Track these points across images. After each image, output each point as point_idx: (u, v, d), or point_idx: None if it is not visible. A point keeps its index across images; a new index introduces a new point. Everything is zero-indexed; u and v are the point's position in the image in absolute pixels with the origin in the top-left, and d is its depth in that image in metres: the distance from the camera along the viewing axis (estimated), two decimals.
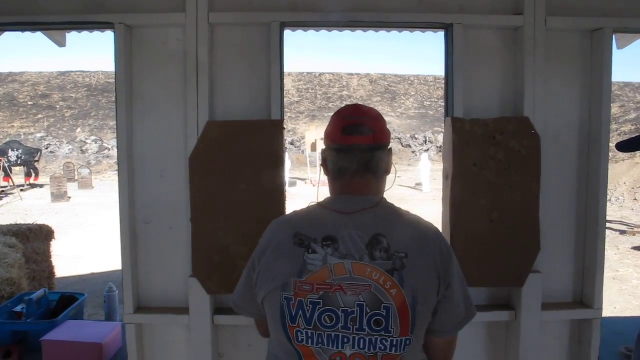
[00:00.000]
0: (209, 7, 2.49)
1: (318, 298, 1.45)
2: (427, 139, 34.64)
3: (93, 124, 35.58)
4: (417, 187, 21.90)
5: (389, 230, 1.50)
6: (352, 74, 47.62)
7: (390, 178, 1.69)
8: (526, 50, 2.57)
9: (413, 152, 32.88)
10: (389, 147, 1.64)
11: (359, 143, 1.56)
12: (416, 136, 35.20)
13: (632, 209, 17.23)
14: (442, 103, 43.44)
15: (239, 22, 2.55)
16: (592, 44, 2.69)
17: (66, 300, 3.29)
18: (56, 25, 2.61)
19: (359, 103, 1.77)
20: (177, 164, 2.61)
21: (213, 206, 2.53)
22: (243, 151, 2.51)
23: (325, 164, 1.66)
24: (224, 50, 2.60)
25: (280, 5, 2.57)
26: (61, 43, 3.34)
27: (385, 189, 1.68)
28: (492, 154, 2.58)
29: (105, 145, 30.62)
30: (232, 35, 2.60)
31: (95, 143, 31.04)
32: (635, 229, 12.52)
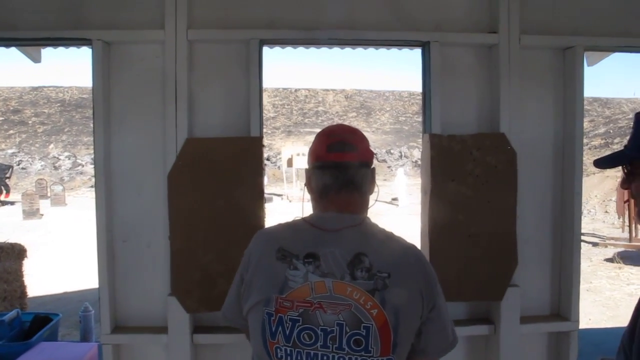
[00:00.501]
0: (188, 24, 2.49)
1: (298, 315, 1.44)
2: (403, 153, 34.92)
3: (66, 139, 35.05)
4: (394, 201, 21.99)
5: (371, 249, 1.49)
6: (327, 90, 47.86)
7: (372, 197, 1.70)
8: (501, 67, 2.62)
9: (389, 166, 33.07)
10: (372, 167, 1.65)
11: (343, 160, 1.57)
12: (391, 151, 35.46)
13: (604, 221, 17.54)
14: (417, 118, 43.98)
15: (218, 39, 2.56)
16: (564, 62, 2.76)
17: (40, 321, 3.22)
18: (32, 41, 2.58)
19: (343, 123, 1.79)
20: (155, 181, 2.59)
21: (192, 223, 2.51)
22: (222, 168, 2.50)
23: (309, 182, 1.65)
24: (203, 66, 2.60)
25: (259, 22, 2.58)
26: (36, 59, 3.31)
27: (368, 207, 1.69)
28: (469, 169, 2.61)
29: (79, 161, 30.16)
30: (210, 52, 2.60)
31: (69, 159, 30.54)
32: (607, 241, 12.73)
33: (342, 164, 1.57)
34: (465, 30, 2.68)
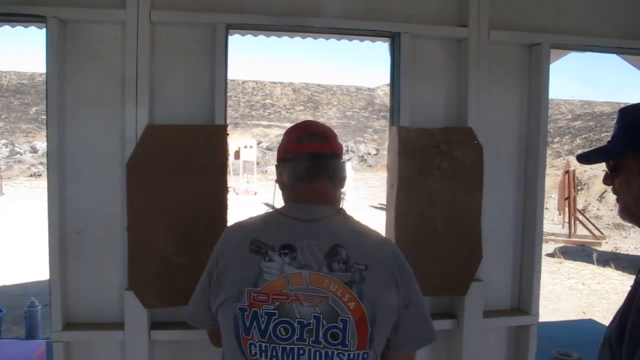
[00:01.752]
0: (151, 4, 2.36)
1: (274, 309, 1.40)
2: (349, 148, 35.10)
3: (3, 127, 33.42)
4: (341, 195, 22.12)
5: (348, 241, 1.47)
6: (275, 82, 47.61)
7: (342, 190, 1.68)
8: (470, 61, 2.62)
9: None
10: (342, 160, 1.64)
11: (314, 150, 1.56)
12: None
13: (544, 218, 18.19)
14: (363, 113, 44.37)
15: (183, 21, 2.43)
16: (530, 58, 2.78)
17: None
18: None
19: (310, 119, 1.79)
20: (112, 170, 2.45)
21: (152, 214, 2.39)
22: (184, 157, 2.39)
23: (280, 177, 1.63)
24: (165, 50, 2.47)
25: (226, 6, 2.47)
26: None
27: (340, 200, 1.66)
28: (436, 163, 2.60)
29: (17, 149, 28.79)
30: (173, 35, 2.48)
31: (6, 147, 29.12)
32: (548, 237, 13.20)
33: (313, 154, 1.56)
34: (435, 22, 2.66)
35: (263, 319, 1.40)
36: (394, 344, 1.52)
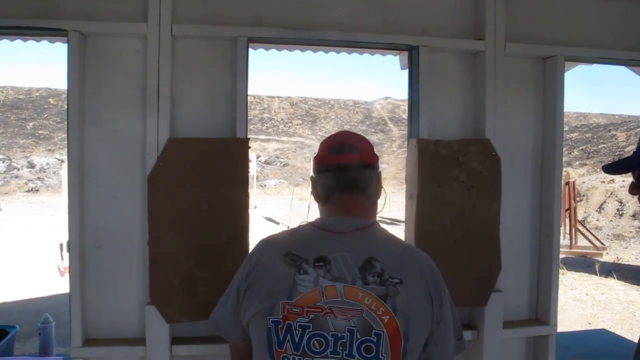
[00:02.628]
0: (172, 18, 2.37)
1: (308, 321, 1.39)
2: None
3: (0, 142, 33.34)
4: None
5: (382, 254, 1.46)
6: (273, 97, 47.77)
7: (380, 202, 1.68)
8: (487, 73, 2.64)
9: None
10: (377, 170, 1.63)
11: (346, 161, 1.55)
12: None
13: None
14: (361, 127, 44.50)
15: (204, 35, 2.44)
16: (544, 70, 2.81)
17: None
18: (1, 29, 2.38)
19: (346, 130, 1.79)
20: (132, 184, 2.44)
21: (173, 228, 2.38)
22: (206, 170, 2.39)
23: (314, 189, 1.63)
24: (185, 64, 2.47)
25: (246, 19, 2.49)
26: None
27: (377, 212, 1.66)
28: (455, 174, 2.60)
29: (14, 164, 28.66)
30: (194, 48, 2.48)
31: (3, 162, 28.98)
32: None
33: (342, 165, 1.55)
34: (451, 36, 2.68)
35: (297, 331, 1.39)
36: (423, 358, 1.51)
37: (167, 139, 2.37)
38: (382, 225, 1.59)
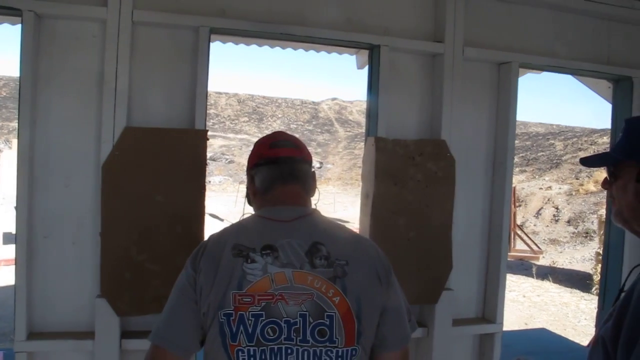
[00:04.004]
0: (134, 3, 2.31)
1: (260, 310, 1.38)
2: None
3: None
4: None
5: (326, 238, 1.48)
6: (220, 93, 47.27)
7: (313, 200, 1.69)
8: (445, 76, 2.70)
9: None
10: (313, 170, 1.69)
11: (286, 155, 1.61)
12: None
13: None
14: (307, 127, 44.64)
15: (166, 23, 2.39)
16: (499, 76, 2.90)
17: None
18: None
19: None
20: (85, 172, 2.37)
21: (127, 219, 2.32)
22: (163, 160, 2.34)
23: (251, 183, 1.65)
24: (145, 52, 2.42)
25: (208, 10, 2.45)
26: None
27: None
28: (411, 174, 2.65)
29: None
30: (154, 36, 2.43)
31: None
32: None
33: (286, 158, 1.60)
34: (412, 37, 2.73)
35: (250, 321, 1.38)
36: (376, 342, 1.50)
37: (123, 127, 2.31)
38: None
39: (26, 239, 2.29)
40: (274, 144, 1.62)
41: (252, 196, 1.65)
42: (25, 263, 2.29)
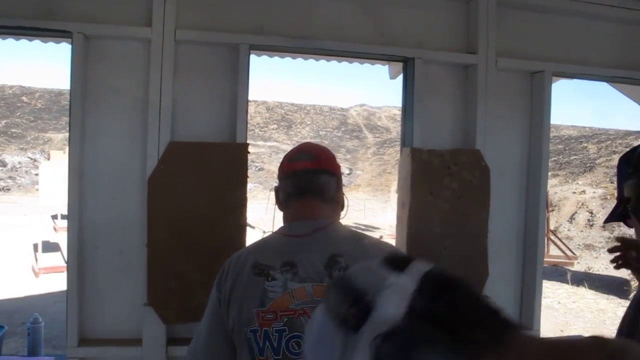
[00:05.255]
0: (176, 23, 2.41)
1: (283, 325, 1.42)
2: None
3: None
4: None
5: (345, 249, 1.49)
6: (249, 101, 47.62)
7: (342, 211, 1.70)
8: (479, 86, 2.74)
9: None
10: (337, 177, 1.66)
11: (302, 168, 1.60)
12: None
13: None
14: (336, 133, 44.66)
15: (207, 41, 2.49)
16: (532, 85, 2.92)
17: None
18: (4, 29, 2.39)
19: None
20: (131, 186, 2.47)
21: (171, 230, 2.41)
22: (205, 173, 2.43)
23: (277, 198, 1.68)
24: (187, 69, 2.52)
25: (247, 27, 2.54)
26: None
27: (340, 219, 1.70)
28: (446, 183, 2.69)
29: None
30: (195, 54, 2.53)
31: None
32: None
33: (300, 171, 1.60)
34: (445, 49, 2.78)
35: (274, 336, 1.42)
36: None
37: (168, 142, 2.41)
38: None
39: (77, 249, 2.39)
40: (292, 158, 1.63)
41: (280, 210, 1.68)
42: (76, 272, 2.40)
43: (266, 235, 1.67)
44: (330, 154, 1.68)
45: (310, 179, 1.59)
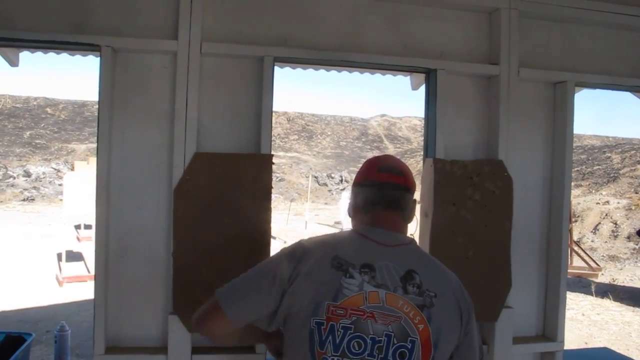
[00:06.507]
0: (202, 36, 2.46)
1: (350, 323, 1.48)
2: (343, 178, 35.30)
3: None
4: (336, 225, 22.13)
5: (421, 268, 1.58)
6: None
7: (410, 227, 1.77)
8: (501, 97, 2.74)
9: (329, 190, 33.36)
10: (414, 198, 1.75)
11: (391, 181, 1.68)
12: (332, 175, 35.84)
13: None
14: (357, 144, 44.68)
15: (232, 53, 2.53)
16: (554, 95, 2.92)
17: (12, 341, 3.00)
18: (35, 43, 2.46)
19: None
20: (158, 195, 2.52)
21: (197, 240, 2.45)
22: (230, 185, 2.47)
23: (354, 199, 1.73)
24: (212, 81, 2.56)
25: (271, 39, 2.58)
26: (14, 62, 3.14)
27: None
28: (469, 194, 2.69)
29: (10, 173, 28.55)
30: (220, 66, 2.57)
31: None
32: None
33: (390, 184, 1.68)
34: (468, 60, 2.79)
35: (339, 333, 1.47)
36: None
37: (193, 153, 2.45)
38: None
39: (104, 258, 2.44)
40: (380, 168, 1.70)
41: (352, 212, 1.75)
42: (103, 281, 2.44)
43: (342, 231, 1.76)
44: (411, 172, 1.77)
45: (398, 195, 1.68)
